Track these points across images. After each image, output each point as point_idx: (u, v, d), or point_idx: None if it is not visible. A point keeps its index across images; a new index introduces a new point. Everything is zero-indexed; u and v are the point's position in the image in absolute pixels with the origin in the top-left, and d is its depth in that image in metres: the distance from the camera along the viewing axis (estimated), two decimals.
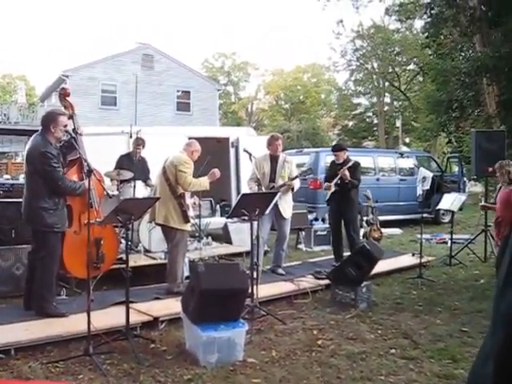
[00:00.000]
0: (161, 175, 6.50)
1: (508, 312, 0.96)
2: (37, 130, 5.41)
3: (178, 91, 30.90)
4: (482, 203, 8.41)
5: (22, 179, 9.81)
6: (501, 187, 7.20)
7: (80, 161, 5.48)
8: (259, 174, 6.98)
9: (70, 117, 5.58)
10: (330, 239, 9.21)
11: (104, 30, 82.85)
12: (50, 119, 5.28)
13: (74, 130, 5.44)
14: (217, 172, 6.51)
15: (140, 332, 5.14)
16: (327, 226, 10.84)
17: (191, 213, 6.63)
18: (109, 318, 5.16)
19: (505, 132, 10.69)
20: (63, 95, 5.68)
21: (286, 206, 7.51)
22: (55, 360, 4.35)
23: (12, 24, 78.58)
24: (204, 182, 6.44)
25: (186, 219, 6.39)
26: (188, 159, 6.44)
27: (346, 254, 8.18)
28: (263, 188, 6.87)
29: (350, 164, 8.23)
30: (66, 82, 27.78)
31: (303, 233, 10.76)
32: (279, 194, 6.75)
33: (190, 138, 10.05)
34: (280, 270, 7.60)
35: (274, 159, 7.51)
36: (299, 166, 12.53)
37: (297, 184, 7.54)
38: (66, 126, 5.29)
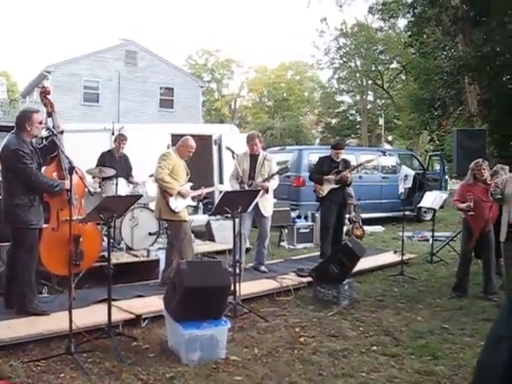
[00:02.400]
0: None
1: None
2: None
3: (161, 88, 30.71)
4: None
5: None
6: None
7: (59, 158, 5.46)
8: (240, 172, 7.01)
9: (50, 115, 5.57)
10: (319, 236, 9.22)
11: (87, 26, 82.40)
12: (24, 118, 5.26)
13: (53, 127, 5.42)
14: (187, 193, 6.64)
15: (122, 330, 5.12)
16: (310, 223, 10.91)
17: (184, 202, 6.60)
18: (91, 315, 5.13)
19: (485, 131, 10.83)
20: (44, 93, 5.67)
21: (267, 203, 7.47)
22: (36, 359, 4.32)
23: None
24: (173, 187, 6.45)
25: (173, 211, 6.44)
26: (168, 152, 6.60)
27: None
28: (246, 186, 6.88)
29: (356, 167, 8.61)
30: (47, 78, 27.54)
31: (286, 230, 10.77)
32: (261, 191, 6.78)
33: (172, 135, 10.04)
34: (263, 268, 7.61)
35: (253, 157, 7.49)
36: (282, 163, 12.57)
37: (273, 184, 7.45)
38: (41, 122, 5.28)
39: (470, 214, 6.65)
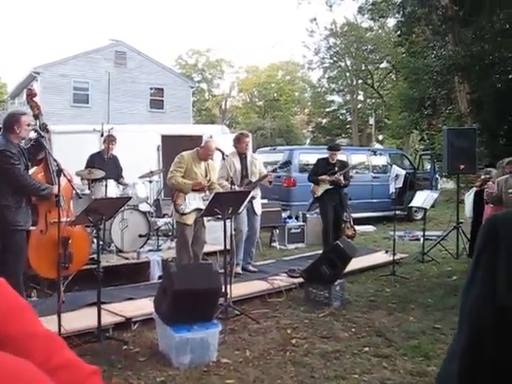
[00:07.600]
0: None
1: (471, 310, 0.96)
2: None
3: (151, 88, 30.55)
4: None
5: None
6: None
7: (46, 161, 5.43)
8: (231, 172, 6.99)
9: (36, 117, 5.53)
10: (321, 236, 9.30)
11: (76, 27, 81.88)
12: (13, 120, 5.25)
13: (40, 129, 5.40)
14: (203, 182, 6.73)
15: (112, 333, 5.08)
16: (301, 223, 10.90)
17: (191, 206, 6.69)
18: (80, 319, 5.09)
19: (475, 129, 10.82)
20: (30, 96, 5.63)
21: (259, 202, 7.67)
22: None
23: None
24: (187, 185, 6.62)
25: (178, 211, 6.68)
26: (181, 155, 6.78)
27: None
28: (236, 186, 6.85)
29: (346, 170, 8.87)
30: (36, 79, 27.36)
31: (277, 231, 10.75)
32: (252, 192, 6.78)
33: (163, 136, 10.00)
34: (251, 267, 7.60)
35: (242, 156, 7.53)
36: (273, 164, 12.49)
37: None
38: (29, 124, 5.26)
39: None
